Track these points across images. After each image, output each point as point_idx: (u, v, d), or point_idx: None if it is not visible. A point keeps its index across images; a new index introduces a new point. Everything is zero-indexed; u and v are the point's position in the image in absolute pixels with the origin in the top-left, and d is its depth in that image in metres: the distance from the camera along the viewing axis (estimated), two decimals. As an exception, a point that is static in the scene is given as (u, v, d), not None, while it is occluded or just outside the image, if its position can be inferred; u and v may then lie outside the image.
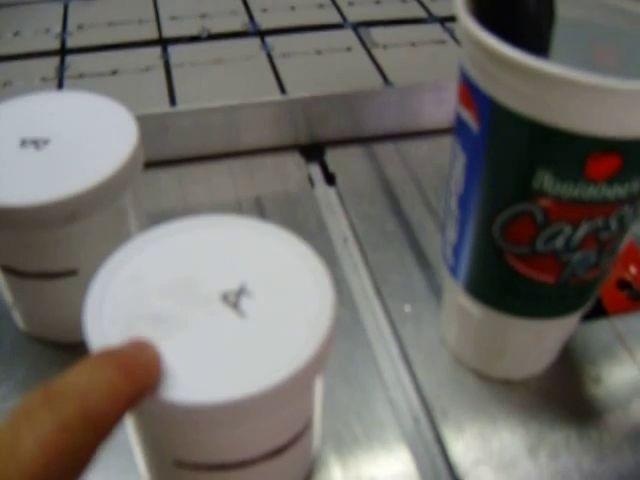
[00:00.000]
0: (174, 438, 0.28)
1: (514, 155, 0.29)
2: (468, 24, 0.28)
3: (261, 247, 0.30)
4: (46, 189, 0.34)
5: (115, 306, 0.27)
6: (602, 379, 0.40)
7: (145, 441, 0.30)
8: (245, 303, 0.28)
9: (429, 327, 0.42)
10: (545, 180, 0.28)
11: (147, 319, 0.27)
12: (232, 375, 0.25)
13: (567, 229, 0.30)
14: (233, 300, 0.28)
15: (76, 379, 0.22)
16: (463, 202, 0.33)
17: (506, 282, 0.33)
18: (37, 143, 0.36)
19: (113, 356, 0.23)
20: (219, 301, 0.28)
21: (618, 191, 0.28)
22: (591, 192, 0.28)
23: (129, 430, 0.31)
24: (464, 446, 0.36)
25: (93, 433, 0.20)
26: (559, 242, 0.31)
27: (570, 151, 0.27)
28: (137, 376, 0.23)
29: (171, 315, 0.27)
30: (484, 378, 0.40)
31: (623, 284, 0.46)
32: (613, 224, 0.30)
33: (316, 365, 0.27)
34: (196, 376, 0.25)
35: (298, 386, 0.27)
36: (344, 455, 0.36)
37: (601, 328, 0.43)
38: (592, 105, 0.26)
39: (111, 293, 0.28)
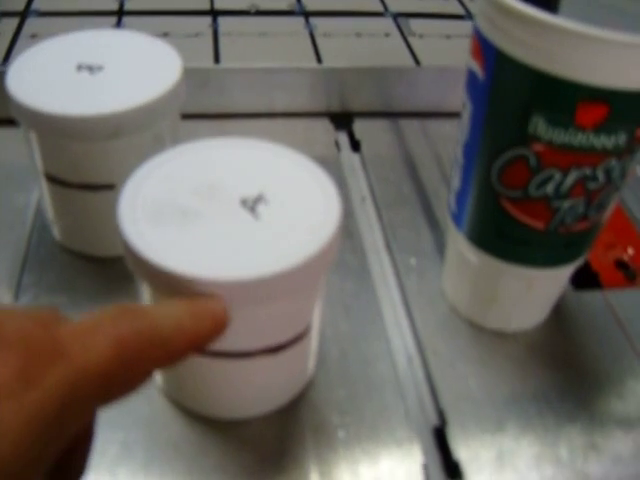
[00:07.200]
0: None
1: (513, 101, 0.32)
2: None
3: (281, 166, 0.34)
4: (94, 105, 0.38)
5: (147, 199, 0.31)
6: (588, 344, 0.43)
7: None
8: (261, 208, 0.31)
9: (432, 280, 0.45)
10: (539, 125, 0.32)
11: (174, 211, 0.30)
12: (241, 262, 0.29)
13: (557, 175, 0.33)
14: (251, 205, 0.31)
15: (149, 308, 0.26)
16: (467, 149, 0.36)
17: (500, 226, 0.37)
18: (92, 68, 0.40)
19: (185, 301, 0.27)
20: (238, 204, 0.31)
21: (605, 142, 0.32)
22: (580, 139, 0.31)
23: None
24: (450, 382, 0.40)
25: (155, 351, 0.24)
26: (550, 188, 0.34)
27: (561, 97, 0.30)
28: (203, 320, 0.27)
29: (195, 210, 0.31)
30: (478, 329, 0.43)
31: (621, 264, 0.49)
32: (600, 175, 0.33)
33: (317, 264, 0.30)
34: (209, 259, 0.29)
35: (298, 279, 0.30)
36: (337, 379, 0.39)
37: (594, 298, 0.46)
38: (581, 52, 0.29)
39: (144, 189, 0.32)
